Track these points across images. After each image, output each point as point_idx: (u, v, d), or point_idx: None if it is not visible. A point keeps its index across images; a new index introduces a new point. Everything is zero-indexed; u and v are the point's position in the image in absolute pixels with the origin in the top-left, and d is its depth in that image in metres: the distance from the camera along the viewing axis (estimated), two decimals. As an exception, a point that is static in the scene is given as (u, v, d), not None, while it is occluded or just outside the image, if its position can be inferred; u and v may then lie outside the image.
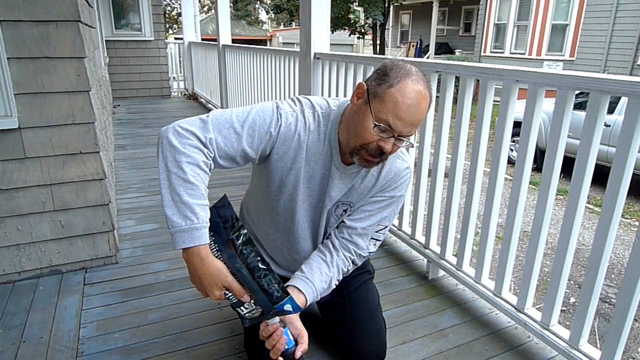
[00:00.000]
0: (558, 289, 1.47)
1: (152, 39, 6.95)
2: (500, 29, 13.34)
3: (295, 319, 1.18)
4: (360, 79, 2.32)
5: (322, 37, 2.69)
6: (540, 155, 4.99)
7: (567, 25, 11.44)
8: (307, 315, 1.25)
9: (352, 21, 19.63)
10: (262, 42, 25.82)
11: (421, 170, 2.06)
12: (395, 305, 1.83)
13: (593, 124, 1.28)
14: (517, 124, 1.55)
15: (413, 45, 18.85)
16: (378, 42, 19.20)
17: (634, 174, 1.28)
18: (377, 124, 1.08)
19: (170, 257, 2.17)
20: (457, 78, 1.80)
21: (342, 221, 1.35)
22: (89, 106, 1.86)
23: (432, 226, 2.04)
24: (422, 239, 2.13)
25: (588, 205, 5.44)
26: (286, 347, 1.12)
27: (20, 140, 1.78)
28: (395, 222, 2.32)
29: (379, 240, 1.38)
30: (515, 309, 1.64)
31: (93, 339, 1.59)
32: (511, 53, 12.95)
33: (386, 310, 1.72)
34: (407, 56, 17.79)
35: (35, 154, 1.82)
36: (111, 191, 2.28)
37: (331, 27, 11.73)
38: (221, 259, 1.05)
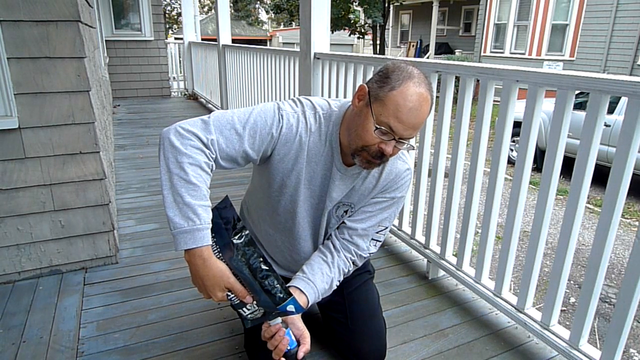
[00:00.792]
0: (558, 289, 1.47)
1: (152, 39, 6.95)
2: (500, 29, 13.34)
3: (297, 319, 1.18)
4: (360, 79, 2.32)
5: (322, 37, 2.69)
6: (540, 155, 4.99)
7: (567, 25, 11.44)
8: (308, 316, 1.25)
9: (352, 21, 19.64)
10: (262, 42, 25.83)
11: (421, 171, 2.06)
12: (395, 305, 1.83)
13: (593, 124, 1.28)
14: (517, 124, 1.55)
15: (413, 45, 18.85)
16: (378, 42, 19.21)
17: (634, 174, 1.28)
18: (378, 126, 1.07)
19: (170, 257, 2.17)
20: (457, 78, 1.80)
21: (343, 222, 1.35)
22: (89, 106, 1.86)
23: (432, 226, 2.04)
24: (422, 239, 2.13)
25: (588, 205, 5.44)
26: (288, 347, 1.12)
27: (20, 140, 1.78)
28: (396, 222, 2.32)
29: (380, 241, 1.38)
30: (515, 309, 1.65)
31: (93, 339, 1.59)
32: (511, 53, 12.95)
33: (386, 310, 1.72)
34: (407, 56, 17.80)
35: (35, 154, 1.82)
36: (111, 191, 2.28)
37: (331, 27, 11.74)
38: (223, 260, 1.05)
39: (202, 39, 7.50)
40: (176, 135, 1.06)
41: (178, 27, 24.40)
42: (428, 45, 16.81)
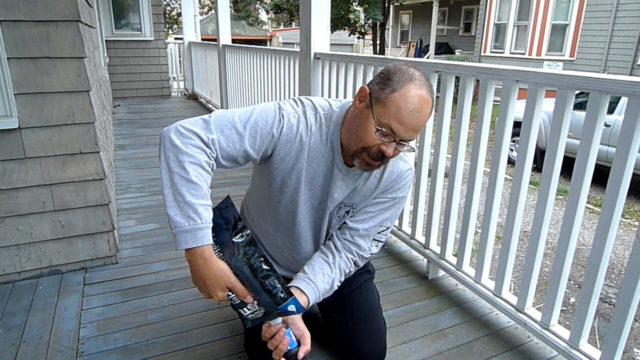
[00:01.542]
0: (558, 289, 1.47)
1: (152, 39, 6.95)
2: (500, 29, 13.34)
3: (297, 319, 1.17)
4: (360, 79, 2.32)
5: (322, 37, 2.69)
6: (540, 155, 4.99)
7: (567, 25, 11.44)
8: (308, 316, 1.25)
9: (352, 21, 19.63)
10: (262, 42, 25.83)
11: (421, 170, 2.06)
12: (395, 305, 1.83)
13: (593, 124, 1.28)
14: (517, 124, 1.55)
15: (413, 45, 18.85)
16: (378, 42, 19.21)
17: (634, 174, 1.28)
18: (379, 128, 1.08)
19: (170, 257, 2.17)
20: (457, 78, 1.80)
21: (344, 222, 1.35)
22: (89, 106, 1.86)
23: (432, 226, 2.04)
24: (422, 239, 2.13)
25: (588, 205, 5.44)
26: (289, 347, 1.12)
27: (20, 140, 1.78)
28: (396, 222, 2.31)
29: (381, 242, 1.38)
30: (515, 309, 1.65)
31: (93, 339, 1.59)
32: (511, 53, 12.95)
33: (386, 310, 1.72)
34: (407, 56, 17.81)
35: (35, 154, 1.82)
36: (111, 191, 2.28)
37: (331, 27, 11.74)
38: (224, 259, 1.05)
39: (202, 39, 7.50)
40: (177, 134, 1.06)
41: (178, 27, 24.39)
42: (428, 45, 16.81)
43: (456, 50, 16.53)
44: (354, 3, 19.19)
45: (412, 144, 1.14)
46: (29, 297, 1.83)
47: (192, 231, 1.00)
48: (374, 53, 19.25)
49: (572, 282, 3.80)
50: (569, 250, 1.41)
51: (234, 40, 5.54)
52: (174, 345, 1.56)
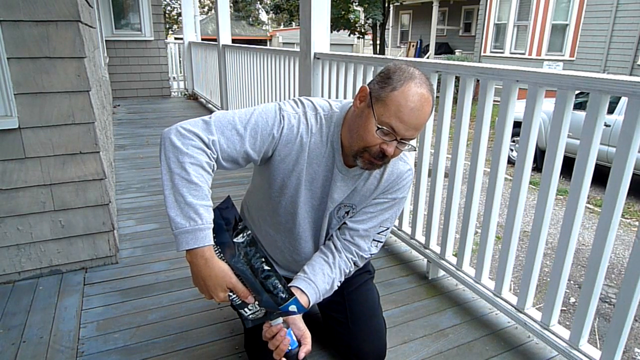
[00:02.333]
0: (558, 289, 1.47)
1: (152, 39, 6.95)
2: (500, 29, 13.34)
3: (298, 319, 1.17)
4: (360, 79, 2.32)
5: (322, 37, 2.69)
6: (540, 155, 4.99)
7: (567, 25, 11.44)
8: (308, 316, 1.25)
9: (352, 21, 19.64)
10: (262, 42, 25.83)
11: (421, 170, 2.06)
12: (395, 305, 1.83)
13: (593, 124, 1.28)
14: (517, 124, 1.55)
15: (413, 45, 18.85)
16: (378, 42, 19.22)
17: (634, 174, 1.28)
18: (380, 127, 1.08)
19: (170, 257, 2.17)
20: (457, 78, 1.80)
21: (344, 223, 1.35)
22: (89, 106, 1.86)
23: (432, 226, 2.04)
24: (422, 239, 2.13)
25: (588, 205, 5.44)
26: (290, 348, 1.12)
27: (20, 140, 1.78)
28: (396, 222, 2.31)
29: (381, 242, 1.38)
30: (515, 309, 1.65)
31: (93, 339, 1.59)
32: (511, 53, 12.95)
33: (386, 310, 1.72)
34: (407, 56, 17.80)
35: (35, 154, 1.82)
36: (111, 191, 2.28)
37: (331, 27, 11.74)
38: (225, 260, 1.05)
39: (202, 39, 7.50)
40: (177, 135, 1.06)
41: (178, 27, 24.39)
42: (428, 45, 16.81)
43: (456, 50, 16.53)
44: (354, 3, 19.20)
45: (413, 143, 1.14)
46: (29, 297, 1.83)
47: (193, 232, 1.00)
48: (374, 53, 19.26)
49: (572, 282, 3.80)
50: (569, 250, 1.41)
51: (234, 40, 5.54)
52: (174, 345, 1.56)
